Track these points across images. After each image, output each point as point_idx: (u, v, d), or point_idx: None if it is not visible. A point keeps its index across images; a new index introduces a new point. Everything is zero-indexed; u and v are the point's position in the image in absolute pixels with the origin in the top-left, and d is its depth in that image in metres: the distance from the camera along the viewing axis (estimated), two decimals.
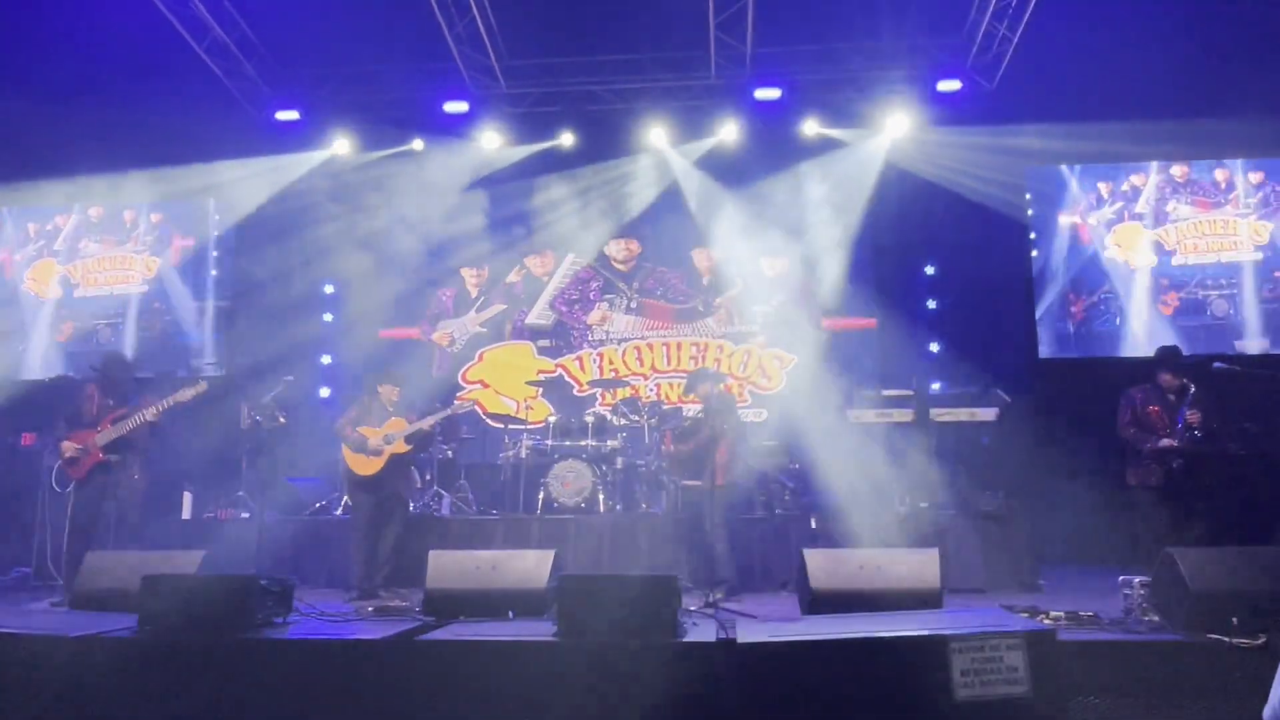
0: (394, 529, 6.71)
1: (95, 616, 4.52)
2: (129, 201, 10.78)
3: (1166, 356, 6.42)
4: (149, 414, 6.60)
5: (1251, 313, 9.15)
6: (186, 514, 8.03)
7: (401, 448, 6.75)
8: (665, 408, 8.79)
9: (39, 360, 10.52)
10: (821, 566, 4.85)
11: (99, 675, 3.92)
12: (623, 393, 9.22)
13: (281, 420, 8.18)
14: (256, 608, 4.27)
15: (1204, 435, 6.10)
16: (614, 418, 8.52)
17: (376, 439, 6.70)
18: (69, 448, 6.53)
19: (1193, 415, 6.11)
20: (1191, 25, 8.39)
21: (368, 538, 6.64)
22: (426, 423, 6.87)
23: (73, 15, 8.55)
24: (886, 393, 8.08)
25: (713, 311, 10.27)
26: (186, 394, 6.70)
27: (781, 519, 7.27)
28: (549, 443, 8.32)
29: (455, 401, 7.89)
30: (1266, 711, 2.98)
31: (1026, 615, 4.41)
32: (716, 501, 6.49)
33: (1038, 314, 9.48)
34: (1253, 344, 9.06)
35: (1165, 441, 6.14)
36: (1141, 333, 9.23)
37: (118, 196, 10.74)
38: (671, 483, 7.60)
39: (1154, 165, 9.56)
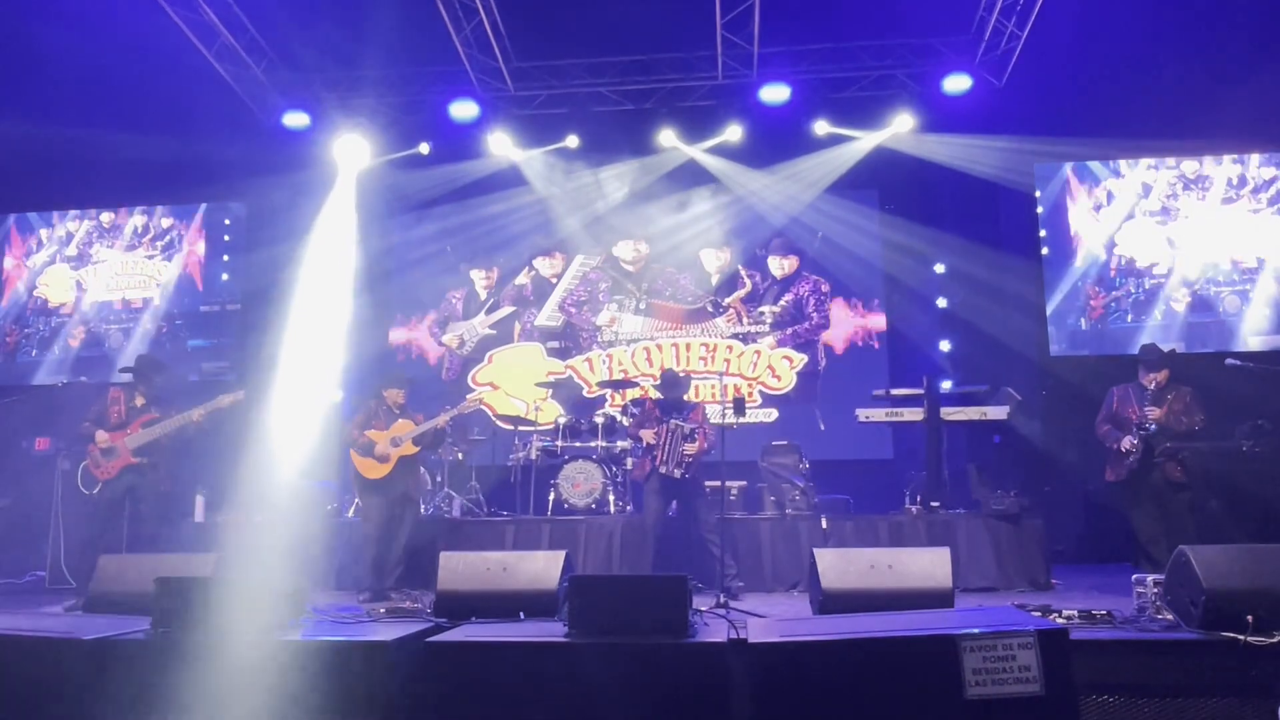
0: (404, 531, 6.74)
1: (109, 619, 4.54)
2: (140, 206, 10.85)
3: (1141, 354, 6.46)
4: (194, 415, 6.65)
5: (1264, 309, 9.09)
6: (199, 517, 8.06)
7: (410, 449, 6.78)
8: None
9: (52, 366, 10.59)
10: (833, 566, 4.84)
11: (113, 678, 3.94)
12: (632, 393, 9.23)
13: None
14: (269, 610, 4.29)
15: (1166, 431, 6.10)
16: (624, 418, 8.53)
17: (384, 442, 6.73)
18: (104, 438, 6.58)
19: (1151, 411, 6.14)
20: (1202, 20, 8.34)
21: (379, 540, 6.67)
22: (434, 423, 6.90)
23: (79, 22, 8.59)
24: (896, 392, 8.07)
25: (722, 312, 10.27)
26: (226, 400, 6.79)
27: (792, 519, 7.25)
28: (559, 444, 8.34)
29: (466, 401, 7.88)
30: None
31: (1039, 614, 4.38)
32: (707, 500, 6.59)
33: (1049, 312, 9.43)
34: (1266, 340, 8.99)
35: (1125, 440, 6.18)
36: (1153, 330, 9.17)
37: (129, 201, 10.83)
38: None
39: (1165, 161, 9.50)
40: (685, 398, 7.17)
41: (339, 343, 9.22)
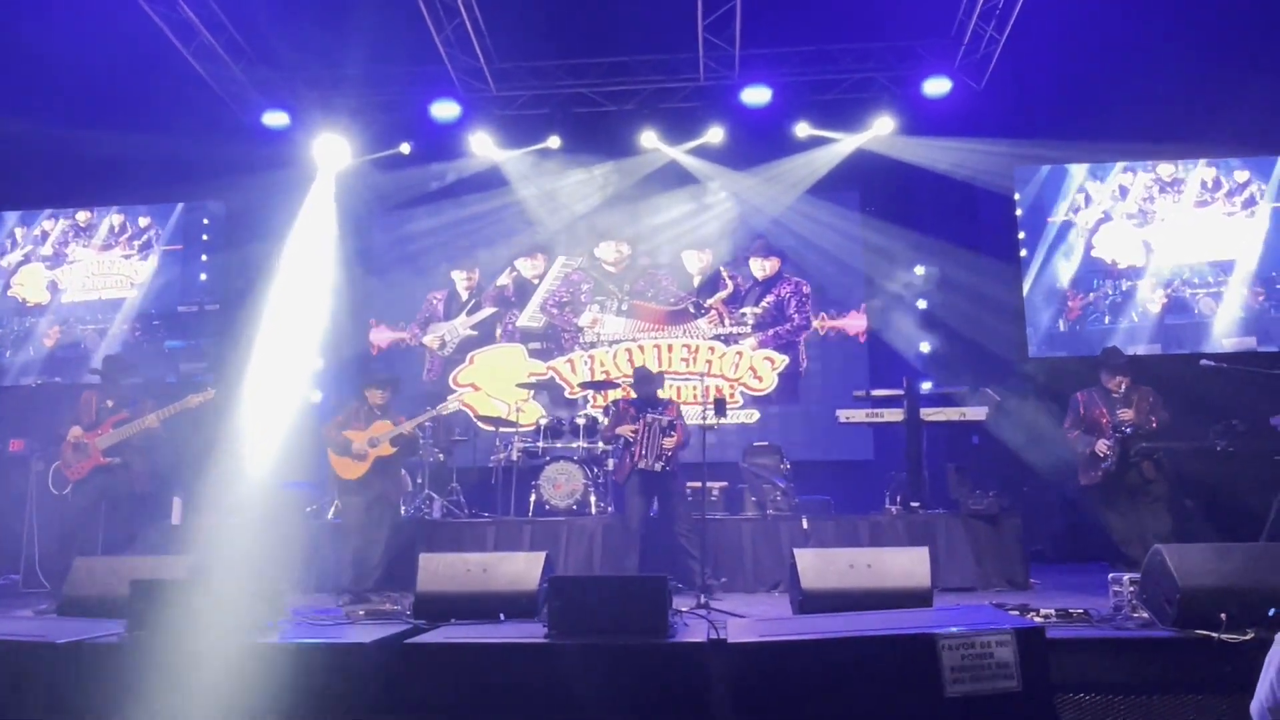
0: (384, 533, 6.68)
1: (83, 622, 4.50)
2: (117, 205, 10.73)
3: (1105, 357, 6.52)
4: (152, 420, 6.59)
5: (1238, 311, 9.20)
6: (177, 519, 7.97)
7: (387, 450, 6.72)
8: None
9: (26, 366, 10.45)
10: (812, 566, 4.86)
11: (86, 681, 3.89)
12: (614, 394, 9.22)
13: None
14: (247, 612, 4.25)
15: (1140, 432, 6.17)
16: (606, 419, 8.51)
17: (361, 442, 6.68)
18: (76, 433, 6.52)
19: (1124, 413, 6.22)
20: (1177, 26, 8.43)
21: (357, 541, 6.63)
22: (410, 425, 6.83)
23: (56, 19, 8.50)
24: (877, 392, 8.11)
25: (704, 313, 10.28)
26: (194, 400, 6.72)
27: (773, 519, 7.27)
28: (540, 445, 8.32)
29: (446, 402, 7.82)
30: (1253, 706, 2.99)
31: (1017, 613, 4.42)
32: (687, 502, 6.60)
33: (1027, 313, 9.51)
34: (1240, 341, 9.10)
35: (1099, 444, 6.24)
36: (1130, 331, 9.27)
37: (106, 200, 10.71)
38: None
39: (1141, 164, 9.60)
40: (659, 394, 7.16)
41: (315, 343, 9.17)
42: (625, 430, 6.78)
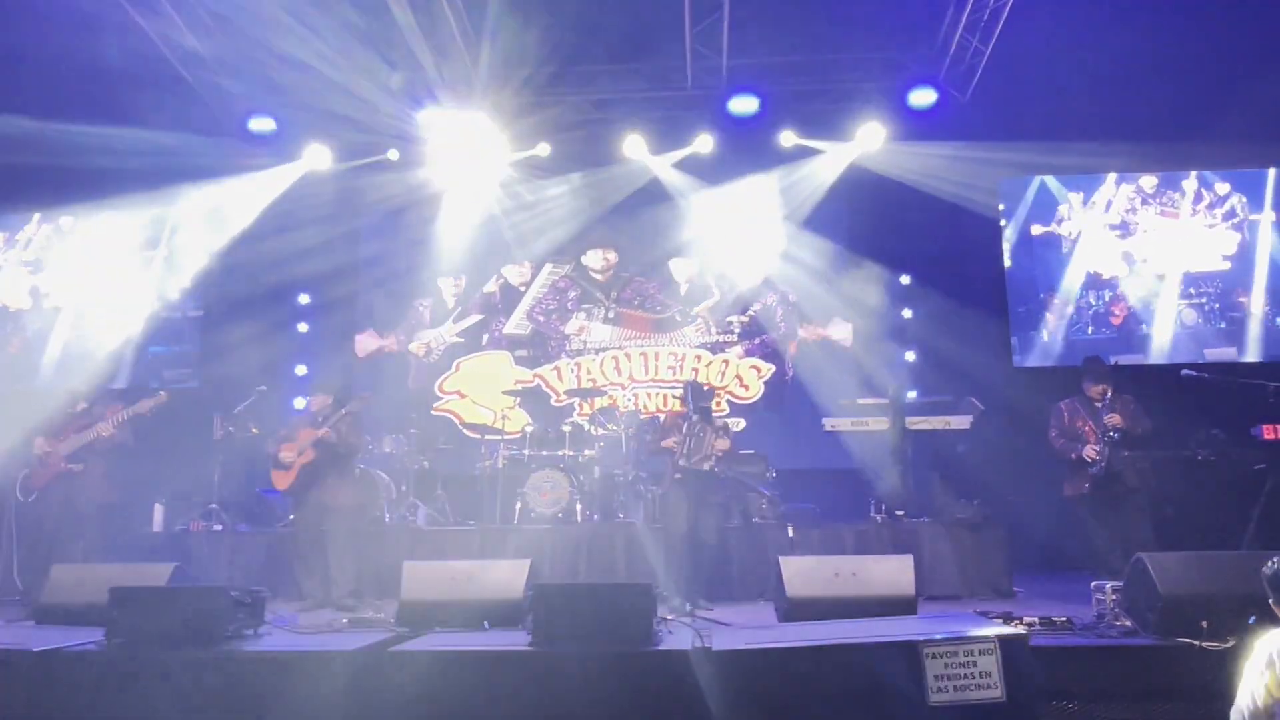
0: (338, 541, 6.49)
1: (61, 630, 4.45)
2: (101, 211, 10.65)
3: (1088, 366, 6.57)
4: (104, 427, 6.53)
5: (1219, 322, 9.29)
6: (158, 526, 7.91)
7: (310, 456, 6.52)
8: (642, 418, 8.79)
9: (4, 370, 10.35)
10: (798, 574, 4.86)
11: (64, 689, 3.85)
12: (600, 402, 9.21)
13: (255, 431, 8.11)
14: (227, 619, 4.22)
15: (1125, 438, 6.22)
16: (591, 427, 8.51)
17: (290, 451, 6.54)
18: (40, 445, 6.52)
19: (1110, 419, 6.26)
20: (1160, 40, 8.53)
21: (308, 550, 6.55)
22: (324, 428, 6.53)
23: (42, 23, 8.45)
24: (862, 401, 8.14)
25: (690, 321, 10.29)
26: (145, 405, 6.63)
27: (759, 528, 7.27)
28: (526, 453, 8.30)
29: (353, 400, 7.14)
30: (1234, 712, 3.02)
31: (1000, 620, 4.42)
32: (726, 509, 6.53)
33: (1012, 323, 9.57)
34: (1220, 352, 9.19)
35: (1088, 450, 6.28)
36: (1112, 341, 9.34)
37: (89, 206, 10.62)
38: (649, 491, 7.62)
39: (1124, 177, 9.69)
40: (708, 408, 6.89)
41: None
42: (670, 443, 6.59)
